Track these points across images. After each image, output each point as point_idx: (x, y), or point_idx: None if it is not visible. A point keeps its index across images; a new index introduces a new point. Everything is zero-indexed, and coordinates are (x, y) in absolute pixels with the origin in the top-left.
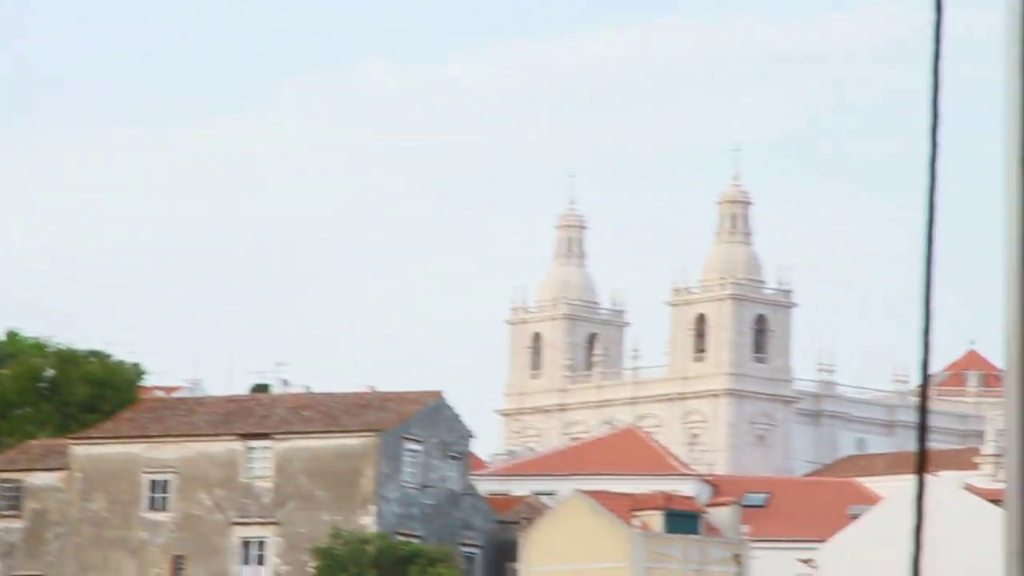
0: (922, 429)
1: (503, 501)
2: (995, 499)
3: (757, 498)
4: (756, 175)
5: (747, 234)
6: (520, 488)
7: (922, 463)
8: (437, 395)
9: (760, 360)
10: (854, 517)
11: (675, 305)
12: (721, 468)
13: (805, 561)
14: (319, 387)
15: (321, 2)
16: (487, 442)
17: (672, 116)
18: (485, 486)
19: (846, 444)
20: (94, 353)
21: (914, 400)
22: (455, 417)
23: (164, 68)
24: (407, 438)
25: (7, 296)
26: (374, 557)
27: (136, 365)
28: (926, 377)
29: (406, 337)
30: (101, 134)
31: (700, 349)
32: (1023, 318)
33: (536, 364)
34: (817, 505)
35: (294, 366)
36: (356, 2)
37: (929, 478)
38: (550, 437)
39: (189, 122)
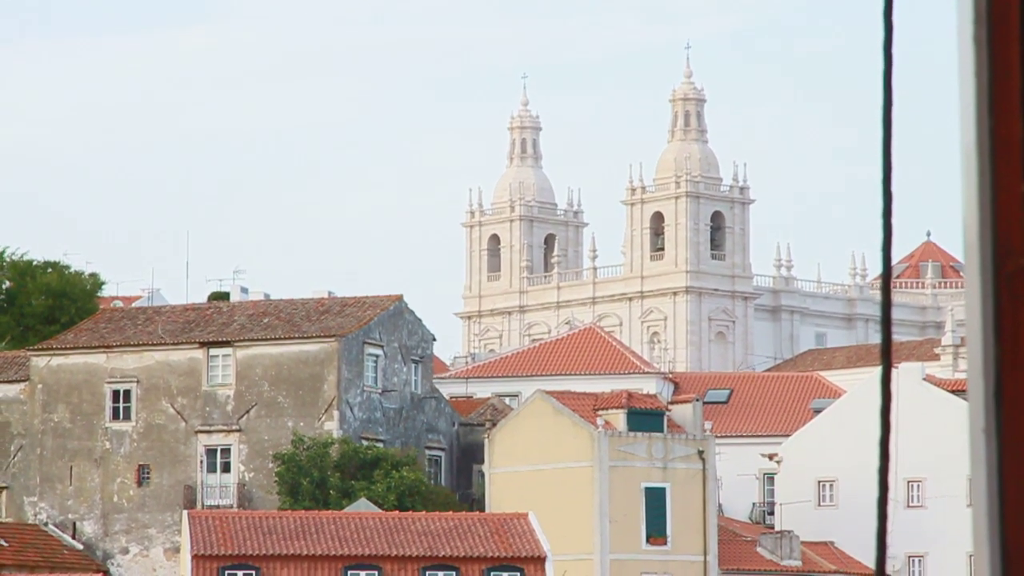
0: (886, 306)
1: (466, 404)
2: (954, 389)
3: (719, 394)
4: (709, 72)
5: (701, 131)
6: (483, 390)
7: (887, 344)
8: (397, 299)
9: (718, 257)
10: (816, 411)
11: (631, 204)
12: (682, 365)
13: (769, 456)
14: (277, 294)
15: None
16: (448, 345)
17: (623, 14)
18: (447, 389)
19: (806, 339)
20: (51, 264)
21: (873, 293)
22: (416, 321)
23: None
24: (368, 343)
25: None
26: (337, 462)
27: (93, 275)
28: (888, 256)
29: (363, 242)
30: (55, 42)
31: (657, 248)
32: (980, 210)
33: (494, 266)
34: (779, 400)
35: (251, 273)
36: None
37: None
38: (510, 339)
39: (142, 31)
